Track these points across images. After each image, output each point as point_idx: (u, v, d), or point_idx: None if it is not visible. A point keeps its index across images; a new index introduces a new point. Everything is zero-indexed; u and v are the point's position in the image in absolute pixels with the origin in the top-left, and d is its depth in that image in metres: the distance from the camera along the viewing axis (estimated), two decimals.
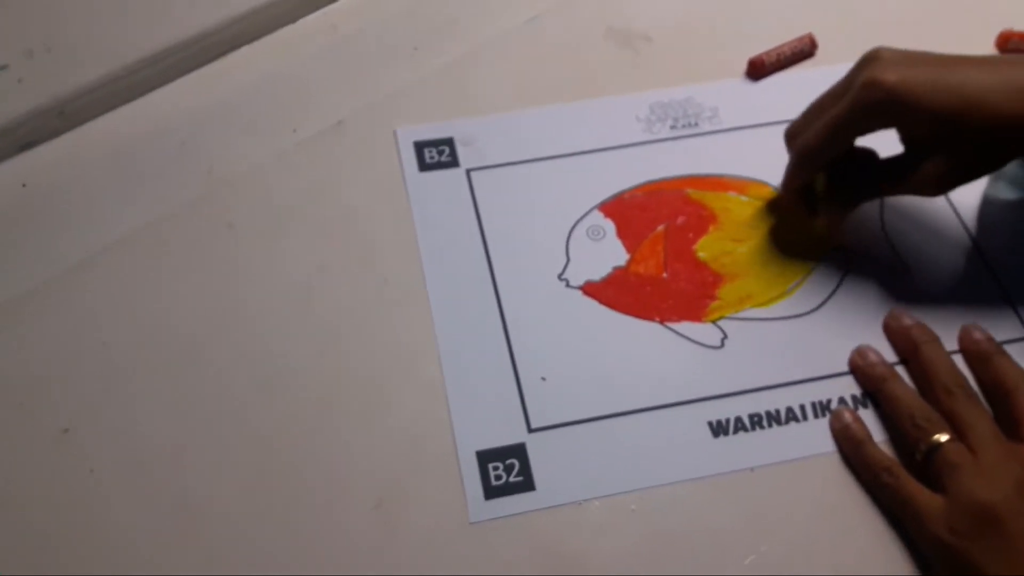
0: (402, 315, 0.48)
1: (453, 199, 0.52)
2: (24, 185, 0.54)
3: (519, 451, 0.43)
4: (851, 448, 0.44)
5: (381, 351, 0.47)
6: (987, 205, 0.52)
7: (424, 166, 0.54)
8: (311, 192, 0.53)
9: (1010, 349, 0.46)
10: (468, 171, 0.53)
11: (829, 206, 0.48)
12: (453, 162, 0.54)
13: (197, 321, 0.48)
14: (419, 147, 0.54)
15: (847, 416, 0.44)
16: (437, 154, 0.54)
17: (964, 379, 0.44)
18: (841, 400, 0.45)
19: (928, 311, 0.48)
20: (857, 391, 0.46)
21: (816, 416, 0.45)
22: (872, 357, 0.46)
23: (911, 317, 0.47)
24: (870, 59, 0.44)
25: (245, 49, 0.62)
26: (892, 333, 0.47)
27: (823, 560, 0.41)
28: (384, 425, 0.44)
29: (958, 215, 0.52)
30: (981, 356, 0.46)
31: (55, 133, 0.56)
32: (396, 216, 0.52)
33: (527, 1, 0.62)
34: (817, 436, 0.44)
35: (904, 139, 0.46)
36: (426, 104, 0.57)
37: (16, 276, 0.49)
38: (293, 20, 0.64)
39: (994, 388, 0.44)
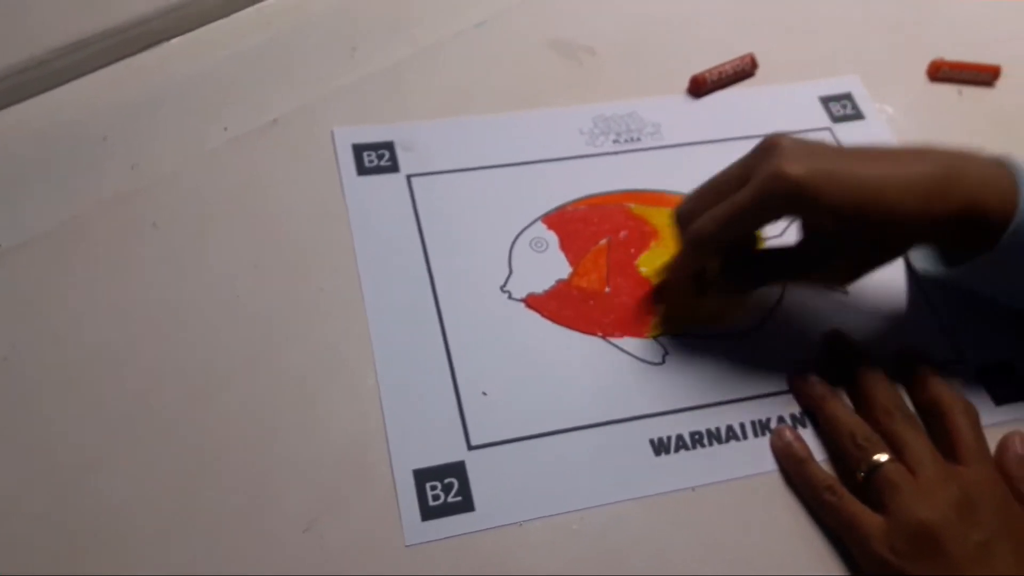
0: (337, 324, 0.46)
1: (392, 205, 0.50)
2: None
3: (458, 469, 0.42)
4: (793, 466, 0.44)
5: (314, 362, 0.44)
6: None
7: (363, 170, 0.52)
8: (242, 193, 0.50)
9: (942, 371, 0.47)
10: (408, 177, 0.52)
11: (723, 291, 0.48)
12: (393, 167, 0.52)
13: (116, 327, 0.44)
14: (358, 150, 0.52)
15: (788, 435, 0.44)
16: (376, 158, 0.52)
17: (902, 400, 0.45)
18: (781, 419, 0.46)
19: (864, 330, 0.49)
20: (797, 410, 0.46)
21: (756, 435, 0.45)
22: (812, 378, 0.46)
23: (851, 338, 0.48)
24: (771, 147, 0.43)
25: (176, 41, 0.59)
26: (833, 354, 0.48)
27: None
28: (317, 440, 0.42)
29: None
30: (917, 378, 0.46)
31: None
32: (332, 221, 0.50)
33: (472, 7, 0.61)
34: (758, 455, 0.44)
35: (804, 228, 0.46)
36: (366, 106, 0.55)
37: None
38: (226, 14, 0.61)
39: (929, 409, 0.45)
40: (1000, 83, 0.61)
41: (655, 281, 0.50)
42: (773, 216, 0.43)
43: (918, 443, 0.42)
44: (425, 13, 0.61)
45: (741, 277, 0.47)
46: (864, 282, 0.48)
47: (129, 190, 0.50)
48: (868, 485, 0.42)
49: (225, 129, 0.54)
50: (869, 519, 0.40)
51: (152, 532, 0.39)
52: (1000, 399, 0.47)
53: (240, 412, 0.42)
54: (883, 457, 0.42)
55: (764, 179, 0.42)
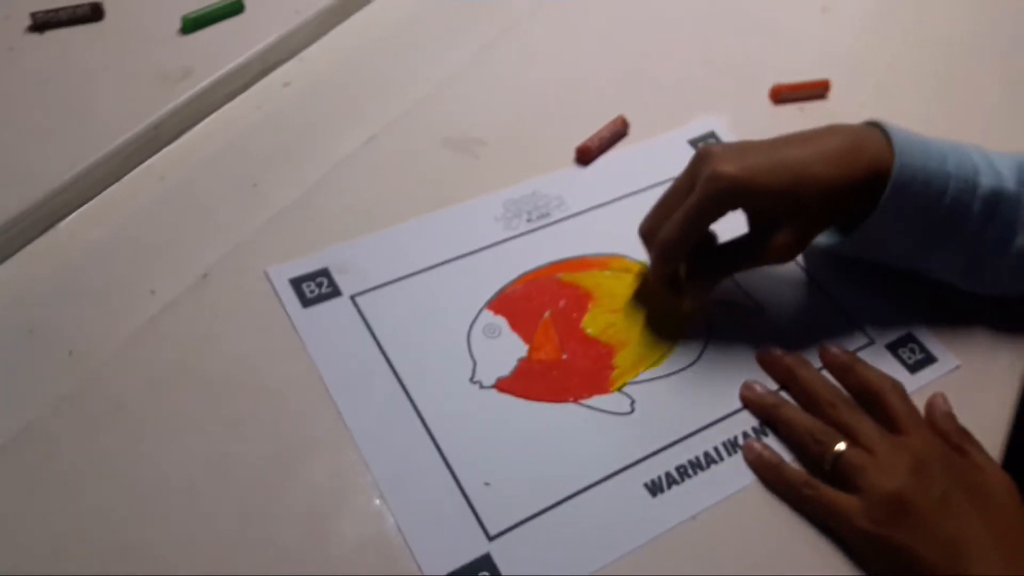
0: (327, 454, 0.47)
1: (346, 328, 0.52)
2: None
3: (486, 563, 0.44)
4: (770, 473, 0.48)
5: (317, 496, 0.45)
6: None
7: (306, 301, 0.53)
8: (194, 355, 0.51)
9: (862, 356, 0.53)
10: (352, 297, 0.54)
11: (694, 287, 0.54)
12: (335, 291, 0.54)
13: (86, 530, 0.43)
14: (296, 283, 0.54)
15: (757, 447, 0.49)
16: (316, 287, 0.54)
17: (841, 391, 0.51)
18: (745, 434, 0.50)
19: (787, 339, 0.54)
20: (756, 423, 0.51)
21: (729, 454, 0.49)
22: (759, 389, 0.52)
23: (779, 348, 0.54)
24: (705, 156, 0.50)
25: (75, 216, 0.58)
26: (768, 365, 0.53)
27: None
28: (345, 571, 0.43)
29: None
30: (843, 367, 0.52)
31: None
32: (292, 358, 0.51)
33: (360, 125, 0.64)
34: (738, 471, 0.49)
35: (751, 217, 0.53)
36: (287, 240, 0.57)
37: None
38: (118, 179, 0.61)
39: (862, 393, 0.51)
40: (832, 94, 0.70)
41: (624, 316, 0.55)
42: (720, 211, 0.50)
43: (865, 425, 0.48)
44: (314, 138, 0.64)
45: (707, 273, 0.53)
46: (776, 295, 0.54)
47: (75, 383, 0.49)
48: (835, 473, 0.47)
49: (152, 293, 0.54)
50: (846, 501, 0.46)
51: None
52: (913, 368, 0.54)
53: (281, 542, 0.43)
54: (842, 446, 0.47)
55: (705, 183, 0.49)
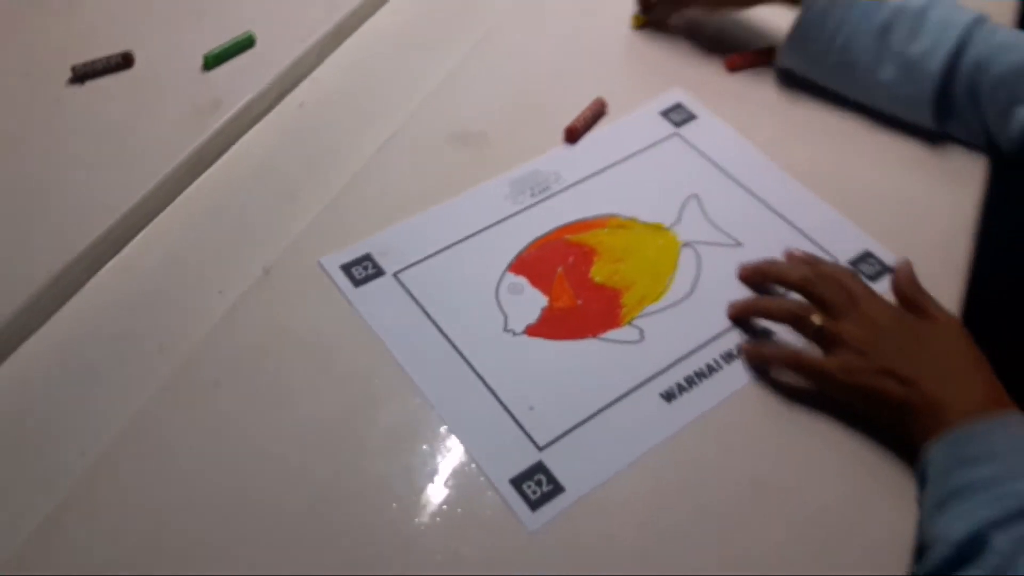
0: (398, 402, 0.56)
1: (394, 299, 0.62)
2: None
3: (541, 467, 0.53)
4: (767, 358, 0.58)
5: (395, 434, 0.55)
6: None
7: (357, 282, 0.63)
8: (269, 337, 0.60)
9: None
10: (395, 274, 0.63)
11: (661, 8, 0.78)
12: (379, 271, 0.64)
13: (201, 491, 0.52)
14: (345, 268, 0.63)
15: (751, 345, 0.59)
16: (363, 269, 0.64)
17: (809, 271, 0.60)
18: (737, 346, 0.60)
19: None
20: (744, 338, 0.61)
21: (727, 363, 0.59)
22: (738, 301, 0.62)
23: (754, 263, 0.64)
24: None
25: (139, 237, 0.67)
26: (746, 274, 0.63)
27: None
28: (424, 483, 0.52)
29: (761, 200, 0.69)
30: (806, 262, 0.62)
31: None
32: (353, 329, 0.60)
33: (373, 131, 0.74)
34: (734, 375, 0.59)
35: None
36: (329, 235, 0.66)
37: None
38: (170, 202, 0.70)
39: (822, 278, 0.60)
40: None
41: None
42: None
43: (834, 296, 0.57)
44: (336, 147, 0.73)
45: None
46: (749, 231, 0.65)
47: (168, 374, 0.58)
48: (817, 340, 0.57)
49: (220, 292, 0.63)
50: (827, 363, 0.56)
51: None
52: (873, 278, 0.64)
53: (375, 476, 0.53)
54: (818, 319, 0.57)
55: None
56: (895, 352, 0.55)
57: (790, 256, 0.64)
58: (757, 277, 0.63)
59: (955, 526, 0.47)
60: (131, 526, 0.51)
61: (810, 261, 0.63)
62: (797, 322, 0.58)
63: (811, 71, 0.76)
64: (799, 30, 0.73)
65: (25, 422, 0.56)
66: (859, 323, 0.56)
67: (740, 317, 0.61)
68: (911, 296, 0.59)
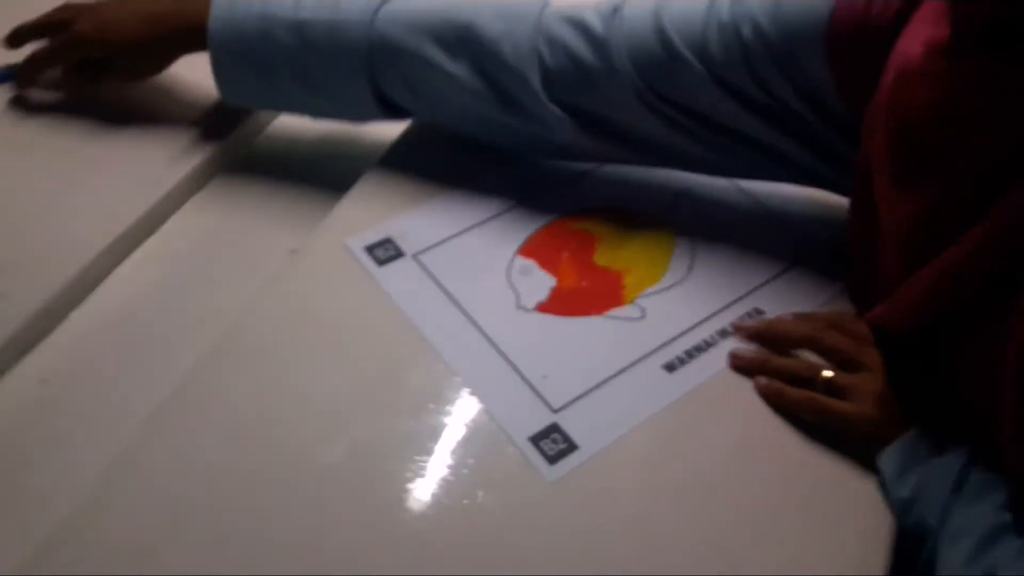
0: (424, 368, 0.61)
1: (415, 278, 0.67)
2: None
3: (556, 427, 0.58)
4: (779, 398, 0.60)
5: (422, 395, 0.60)
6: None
7: (380, 262, 0.68)
8: (304, 311, 0.64)
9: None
10: (415, 255, 0.68)
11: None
12: (399, 253, 0.68)
13: (254, 446, 0.57)
14: (369, 249, 0.68)
15: (764, 382, 0.60)
16: (383, 251, 0.68)
17: (809, 328, 0.62)
18: (731, 323, 0.66)
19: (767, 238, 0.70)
20: (735, 317, 0.66)
21: (723, 338, 0.65)
22: (745, 353, 0.62)
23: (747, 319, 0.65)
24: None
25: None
26: (744, 333, 0.64)
27: None
28: (450, 439, 0.57)
29: (744, 191, 0.76)
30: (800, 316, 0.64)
31: None
32: (379, 304, 0.65)
33: (377, 139, 0.78)
34: (735, 346, 0.64)
35: None
36: (352, 221, 0.70)
37: None
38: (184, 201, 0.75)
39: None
40: None
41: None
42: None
43: (840, 343, 0.60)
44: (361, 132, 0.78)
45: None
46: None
47: (210, 346, 0.62)
48: (828, 392, 0.58)
49: (252, 271, 0.67)
50: (844, 407, 0.58)
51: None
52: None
53: (404, 433, 0.57)
54: (827, 374, 0.59)
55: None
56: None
57: (778, 320, 0.64)
58: (756, 336, 0.63)
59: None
60: (183, 487, 0.55)
61: (805, 317, 0.63)
62: (807, 383, 0.59)
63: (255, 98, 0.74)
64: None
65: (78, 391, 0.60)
66: (869, 369, 0.58)
67: (742, 370, 0.62)
68: (851, 329, 0.61)
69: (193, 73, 0.79)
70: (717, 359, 0.64)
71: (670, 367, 0.63)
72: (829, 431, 0.59)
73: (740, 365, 0.62)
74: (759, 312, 0.66)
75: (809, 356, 0.62)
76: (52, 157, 0.73)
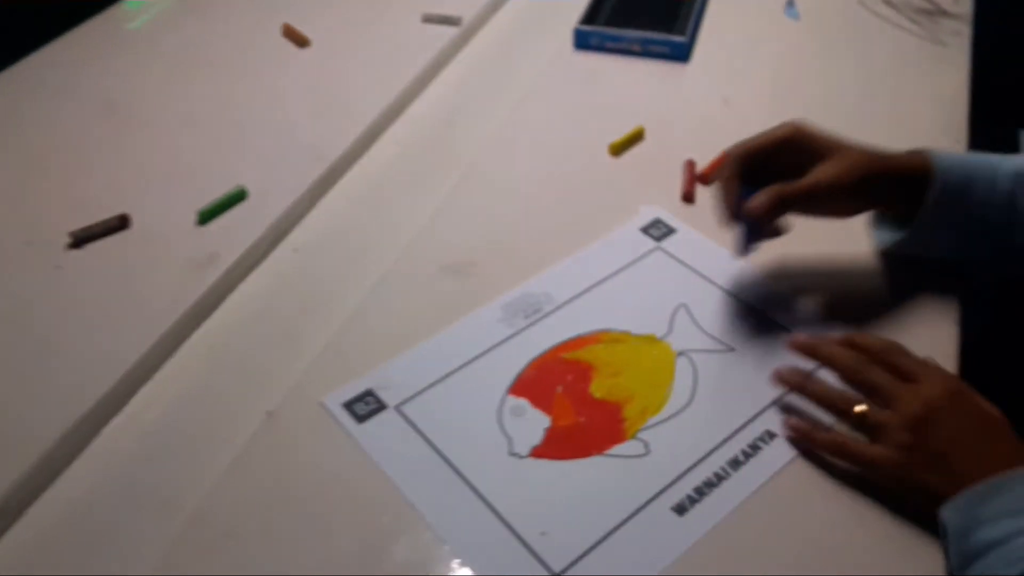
0: (409, 538, 0.56)
1: (397, 433, 0.62)
2: None
3: None
4: (818, 445, 0.59)
5: (409, 571, 0.54)
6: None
7: (360, 418, 0.63)
8: (280, 480, 0.60)
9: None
10: (396, 407, 0.64)
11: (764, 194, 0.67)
12: (381, 406, 0.64)
13: None
14: (347, 405, 0.64)
15: (794, 421, 0.60)
16: (365, 405, 0.64)
17: (859, 356, 0.60)
18: (743, 451, 0.60)
19: (759, 372, 0.65)
20: (750, 440, 0.61)
21: (735, 470, 0.59)
22: (787, 371, 0.62)
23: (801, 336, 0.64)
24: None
25: (145, 388, 0.68)
26: (795, 347, 0.64)
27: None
28: None
29: (745, 303, 0.71)
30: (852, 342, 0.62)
31: None
32: (359, 465, 0.60)
33: (366, 270, 0.76)
34: (741, 483, 0.58)
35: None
36: (329, 374, 0.67)
37: None
38: (171, 354, 0.72)
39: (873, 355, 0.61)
40: None
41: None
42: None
43: (881, 379, 0.58)
44: (331, 288, 0.75)
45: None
46: (740, 336, 0.66)
47: (180, 524, 0.57)
48: (861, 429, 0.58)
49: (225, 440, 0.63)
50: (871, 451, 0.57)
51: None
52: None
53: None
54: (862, 407, 0.58)
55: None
56: (944, 442, 0.55)
57: (836, 341, 0.63)
58: (805, 352, 0.63)
59: None
60: None
61: (858, 343, 0.62)
62: (840, 414, 0.59)
63: (930, 250, 0.71)
64: (931, 215, 0.67)
65: None
66: (906, 410, 0.56)
67: (783, 385, 0.62)
68: (896, 364, 0.59)
69: (157, 241, 0.78)
70: (729, 495, 0.58)
71: (680, 509, 0.57)
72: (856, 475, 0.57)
73: (784, 378, 0.63)
74: (771, 435, 0.61)
75: None
76: (11, 345, 0.70)
